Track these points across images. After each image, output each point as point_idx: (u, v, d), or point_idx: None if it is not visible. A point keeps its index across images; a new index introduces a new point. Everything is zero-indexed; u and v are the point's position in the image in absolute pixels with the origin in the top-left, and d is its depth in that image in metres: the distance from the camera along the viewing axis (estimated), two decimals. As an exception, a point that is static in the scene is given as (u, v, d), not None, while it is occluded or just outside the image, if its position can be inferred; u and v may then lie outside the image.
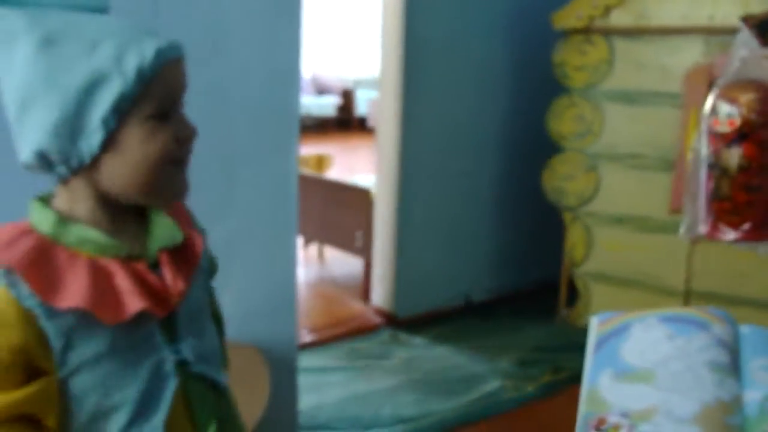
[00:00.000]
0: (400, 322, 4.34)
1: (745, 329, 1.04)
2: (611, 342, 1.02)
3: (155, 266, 1.07)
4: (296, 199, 2.94)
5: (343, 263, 5.37)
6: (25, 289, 0.96)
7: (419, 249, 4.42)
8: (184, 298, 1.08)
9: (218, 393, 1.16)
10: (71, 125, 0.97)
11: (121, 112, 0.98)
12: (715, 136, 1.08)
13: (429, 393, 3.53)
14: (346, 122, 13.35)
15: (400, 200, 4.30)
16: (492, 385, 3.62)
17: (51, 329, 0.97)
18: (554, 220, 4.40)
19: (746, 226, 1.08)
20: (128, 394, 1.02)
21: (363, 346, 4.03)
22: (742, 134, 1.06)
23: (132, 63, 0.97)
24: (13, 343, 0.95)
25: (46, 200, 1.05)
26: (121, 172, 1.01)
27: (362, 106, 13.18)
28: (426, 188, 4.38)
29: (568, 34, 4.11)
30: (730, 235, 1.13)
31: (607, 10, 3.96)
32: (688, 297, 3.90)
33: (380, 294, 4.46)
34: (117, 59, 0.97)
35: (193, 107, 1.16)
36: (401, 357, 3.90)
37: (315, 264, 5.51)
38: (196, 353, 1.11)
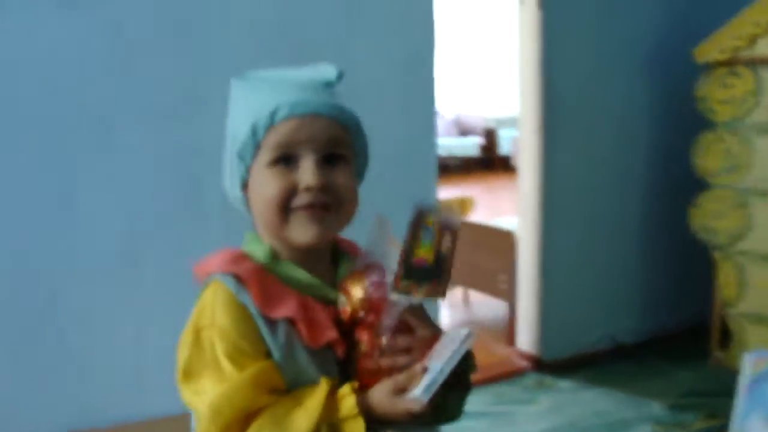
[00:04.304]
0: (546, 365, 4.27)
1: None
2: (765, 383, 0.97)
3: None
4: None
5: (487, 306, 5.35)
6: (248, 298, 1.11)
7: (564, 291, 4.34)
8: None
9: None
10: (229, 173, 1.20)
11: (246, 162, 1.16)
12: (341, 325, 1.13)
13: (576, 439, 3.46)
14: (490, 162, 13.33)
15: (543, 242, 4.26)
16: (641, 431, 3.51)
17: (267, 337, 1.11)
18: (702, 259, 4.25)
19: None
20: None
21: (507, 390, 4.00)
22: (355, 321, 1.10)
23: (248, 122, 1.14)
24: (249, 317, 1.11)
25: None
26: (255, 211, 1.19)
27: (505, 145, 13.10)
28: (569, 229, 4.32)
29: (710, 67, 4.00)
30: None
31: (752, 40, 3.83)
32: None
33: (525, 337, 4.41)
34: (246, 118, 1.15)
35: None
36: (547, 402, 3.84)
37: (460, 307, 5.52)
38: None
